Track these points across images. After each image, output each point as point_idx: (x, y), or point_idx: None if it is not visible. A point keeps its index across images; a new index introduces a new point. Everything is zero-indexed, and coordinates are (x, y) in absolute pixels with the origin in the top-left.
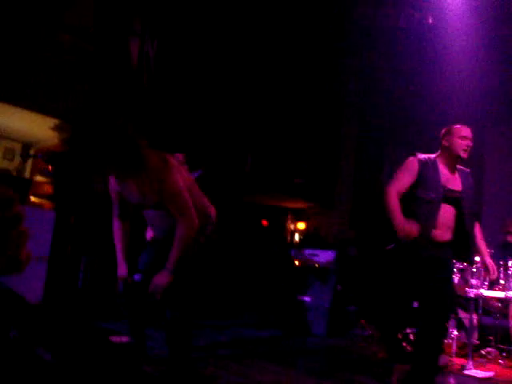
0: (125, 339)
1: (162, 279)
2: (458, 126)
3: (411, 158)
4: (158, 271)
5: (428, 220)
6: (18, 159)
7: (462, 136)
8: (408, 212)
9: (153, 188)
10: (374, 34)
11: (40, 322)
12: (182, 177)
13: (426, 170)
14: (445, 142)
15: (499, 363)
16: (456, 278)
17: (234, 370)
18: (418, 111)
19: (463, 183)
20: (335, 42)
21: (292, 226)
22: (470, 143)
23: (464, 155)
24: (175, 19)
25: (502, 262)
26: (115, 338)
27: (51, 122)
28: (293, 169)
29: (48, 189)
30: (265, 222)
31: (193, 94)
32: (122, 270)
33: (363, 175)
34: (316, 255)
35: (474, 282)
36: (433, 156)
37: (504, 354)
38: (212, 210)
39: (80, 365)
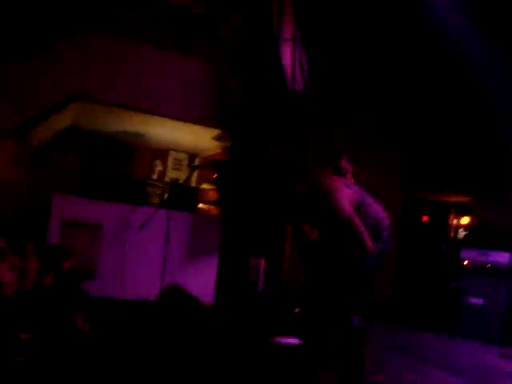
0: (295, 341)
1: None
2: None
3: None
4: None
5: None
6: (185, 169)
7: None
8: None
9: None
10: None
11: (214, 322)
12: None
13: None
14: None
15: None
16: None
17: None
18: None
19: None
20: None
21: (455, 222)
22: None
23: None
24: (325, 23)
25: None
26: (284, 340)
27: (214, 132)
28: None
29: (213, 195)
30: (425, 218)
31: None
32: None
33: None
34: (487, 254)
35: None
36: None
37: None
38: (386, 221)
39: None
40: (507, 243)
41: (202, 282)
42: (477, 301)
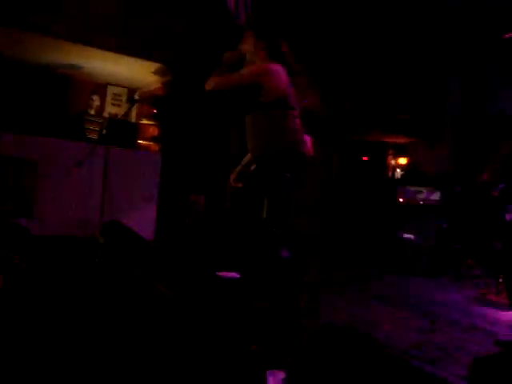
0: (234, 275)
1: None
2: None
3: None
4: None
5: None
6: (125, 104)
7: None
8: None
9: None
10: None
11: (155, 256)
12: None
13: None
14: None
15: None
16: None
17: (340, 306)
18: None
19: None
20: None
21: (393, 162)
22: None
23: None
24: None
25: None
26: (224, 274)
27: (154, 66)
28: (396, 104)
29: (153, 131)
30: (365, 158)
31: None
32: None
33: (468, 110)
34: (420, 192)
35: None
36: None
37: None
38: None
39: (193, 299)
40: (439, 183)
41: (141, 219)
42: (410, 236)
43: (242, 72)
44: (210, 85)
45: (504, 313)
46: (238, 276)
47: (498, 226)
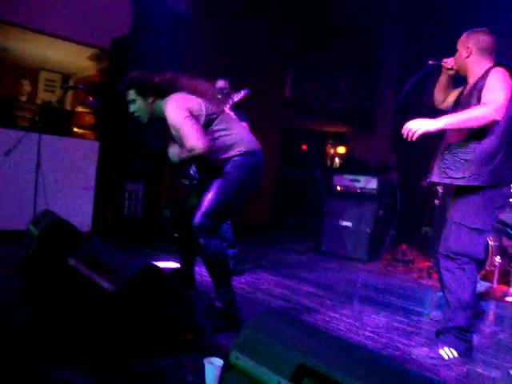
0: (171, 265)
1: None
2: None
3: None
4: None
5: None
6: (58, 90)
7: None
8: None
9: None
10: None
11: (93, 253)
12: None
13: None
14: None
15: None
16: None
17: (279, 294)
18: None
19: (462, 93)
20: None
21: (332, 151)
22: None
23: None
24: None
25: None
26: (161, 264)
27: (90, 51)
28: (332, 93)
29: (90, 119)
30: (304, 147)
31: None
32: None
33: (405, 99)
34: (357, 180)
35: None
36: None
37: None
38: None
39: (132, 292)
40: (376, 171)
41: (78, 209)
42: (348, 224)
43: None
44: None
45: (434, 295)
46: (176, 266)
47: (428, 212)
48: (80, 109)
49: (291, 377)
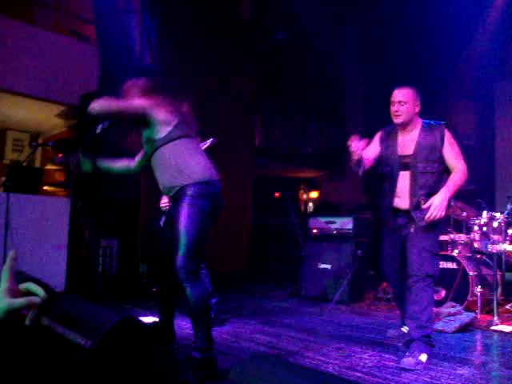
0: (152, 319)
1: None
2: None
3: (377, 133)
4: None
5: (389, 193)
6: (27, 150)
7: (391, 101)
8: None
9: None
10: None
11: (67, 309)
12: None
13: (386, 142)
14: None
15: None
16: (477, 235)
17: (262, 341)
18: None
19: (419, 142)
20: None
21: (305, 196)
22: (396, 108)
23: (396, 120)
24: None
25: None
26: (144, 318)
27: (58, 109)
28: (300, 138)
29: (60, 176)
30: (277, 194)
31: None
32: None
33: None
34: (333, 222)
35: (495, 237)
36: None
37: None
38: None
39: (111, 347)
40: (350, 212)
41: (51, 268)
42: (326, 266)
43: (132, 100)
44: (94, 108)
45: None
46: (155, 320)
47: None
48: (50, 166)
49: None
